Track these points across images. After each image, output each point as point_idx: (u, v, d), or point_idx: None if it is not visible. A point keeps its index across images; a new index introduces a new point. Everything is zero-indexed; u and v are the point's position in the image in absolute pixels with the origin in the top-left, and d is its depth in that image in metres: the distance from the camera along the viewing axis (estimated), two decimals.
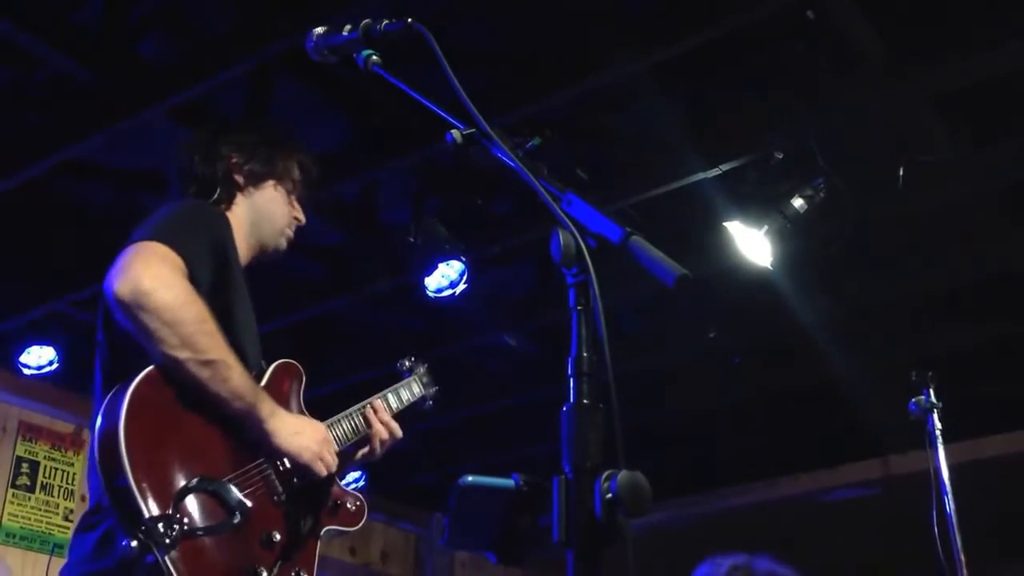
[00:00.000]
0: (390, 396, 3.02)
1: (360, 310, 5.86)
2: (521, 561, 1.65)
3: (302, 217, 2.96)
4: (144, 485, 2.18)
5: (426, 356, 3.56)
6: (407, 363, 3.28)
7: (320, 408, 2.83)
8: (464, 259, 4.98)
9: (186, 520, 2.21)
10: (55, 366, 5.72)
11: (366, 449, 2.85)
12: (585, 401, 1.57)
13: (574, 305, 1.64)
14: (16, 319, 5.50)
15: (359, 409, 2.86)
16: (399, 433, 2.89)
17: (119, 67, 4.07)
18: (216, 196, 2.81)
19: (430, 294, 5.09)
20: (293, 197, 2.93)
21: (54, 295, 5.28)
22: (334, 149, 4.59)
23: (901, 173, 4.49)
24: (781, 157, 4.48)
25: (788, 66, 4.25)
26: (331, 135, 4.56)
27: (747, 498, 7.78)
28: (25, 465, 6.22)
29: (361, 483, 6.88)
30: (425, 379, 3.27)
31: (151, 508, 2.16)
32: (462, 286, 5.03)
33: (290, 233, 2.93)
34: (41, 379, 5.81)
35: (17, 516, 6.09)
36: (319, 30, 2.20)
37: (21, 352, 5.74)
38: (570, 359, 1.61)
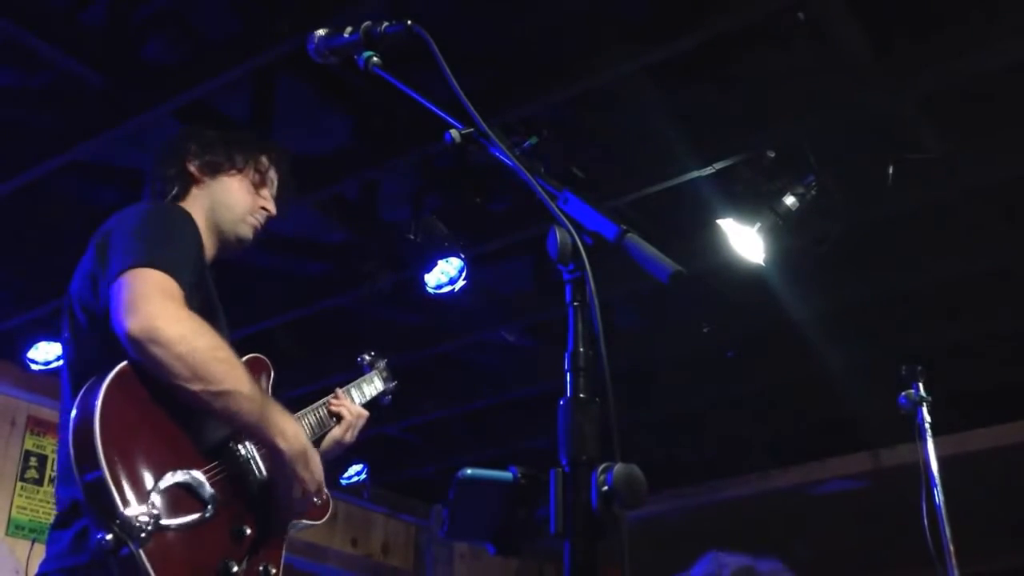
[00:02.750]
0: (352, 391, 3.07)
1: (361, 306, 5.89)
2: (519, 552, 1.66)
3: (271, 208, 2.92)
4: (119, 478, 2.18)
5: (427, 352, 3.60)
6: (367, 358, 3.29)
7: None
8: (463, 256, 5.00)
9: (160, 513, 2.21)
10: (62, 362, 5.72)
11: (334, 440, 2.91)
12: (581, 395, 1.59)
13: (570, 301, 1.66)
14: (24, 315, 5.51)
15: (323, 403, 2.91)
16: (365, 412, 2.98)
17: (124, 68, 4.08)
18: (175, 192, 2.82)
19: (430, 290, 5.12)
20: (263, 190, 2.92)
21: (61, 292, 5.31)
22: (335, 148, 4.62)
23: (890, 171, 4.54)
24: (773, 156, 4.52)
25: (780, 66, 4.27)
26: (332, 135, 4.60)
27: (739, 490, 7.81)
28: (33, 459, 6.25)
29: (363, 476, 6.92)
30: (385, 374, 3.29)
31: (126, 501, 2.16)
32: (461, 282, 5.04)
33: (254, 221, 2.88)
34: (49, 374, 5.80)
35: (26, 509, 6.12)
36: (320, 32, 2.21)
37: (29, 348, 5.76)
38: (567, 354, 1.62)
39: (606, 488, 1.48)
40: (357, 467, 6.92)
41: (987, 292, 5.61)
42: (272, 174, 2.96)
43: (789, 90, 4.28)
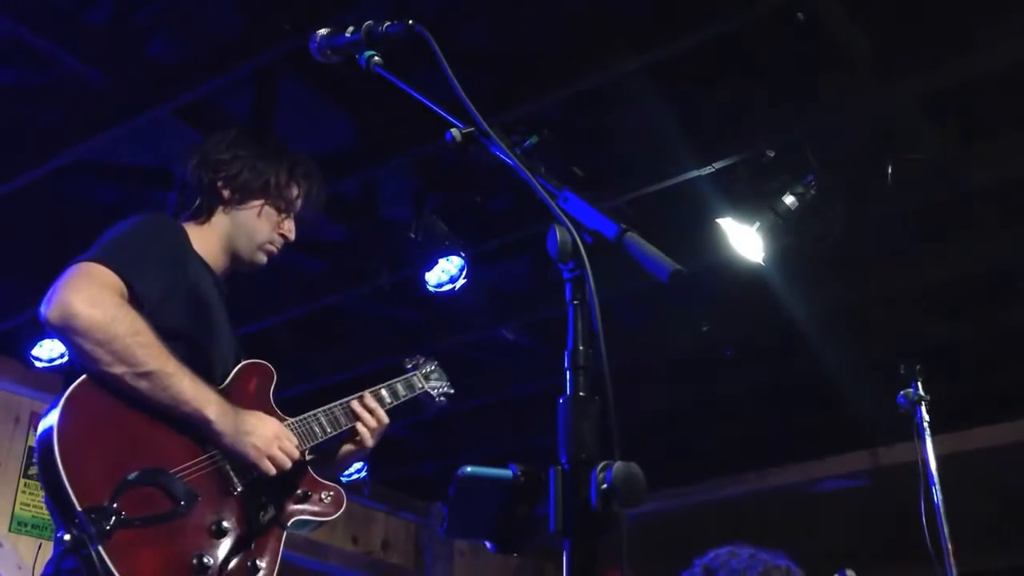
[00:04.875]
0: (383, 391, 3.01)
1: (361, 304, 5.90)
2: (519, 550, 1.66)
3: (292, 235, 2.94)
4: (76, 479, 2.19)
5: (427, 350, 3.57)
6: (413, 361, 3.24)
7: (322, 402, 2.85)
8: (463, 254, 5.01)
9: (124, 511, 2.21)
10: (66, 359, 5.73)
11: (358, 439, 2.87)
12: (581, 393, 1.59)
13: (570, 299, 1.65)
14: (27, 313, 5.50)
15: (344, 402, 2.86)
16: (385, 420, 2.90)
17: (128, 67, 4.11)
18: (197, 205, 2.83)
19: (430, 288, 5.13)
20: (286, 215, 2.91)
21: None
22: (337, 147, 4.63)
23: (890, 171, 4.55)
24: (773, 155, 4.52)
25: (779, 66, 4.29)
26: (334, 133, 4.61)
27: (739, 488, 7.83)
28: None
29: (363, 473, 6.94)
30: (432, 376, 3.22)
31: (84, 501, 2.18)
32: (461, 281, 5.05)
33: (272, 248, 2.91)
34: (52, 372, 5.80)
35: (29, 505, 6.15)
36: (322, 31, 2.23)
37: (33, 346, 5.78)
38: (567, 352, 1.62)
39: (605, 486, 1.48)
40: (357, 464, 6.94)
41: (986, 292, 5.62)
42: (300, 201, 2.96)
43: (789, 90, 4.29)
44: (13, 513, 6.09)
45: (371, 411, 2.87)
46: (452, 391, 3.29)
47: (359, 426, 2.85)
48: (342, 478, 7.19)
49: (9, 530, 6.04)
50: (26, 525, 6.11)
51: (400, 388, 3.09)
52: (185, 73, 4.11)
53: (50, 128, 4.47)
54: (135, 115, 4.20)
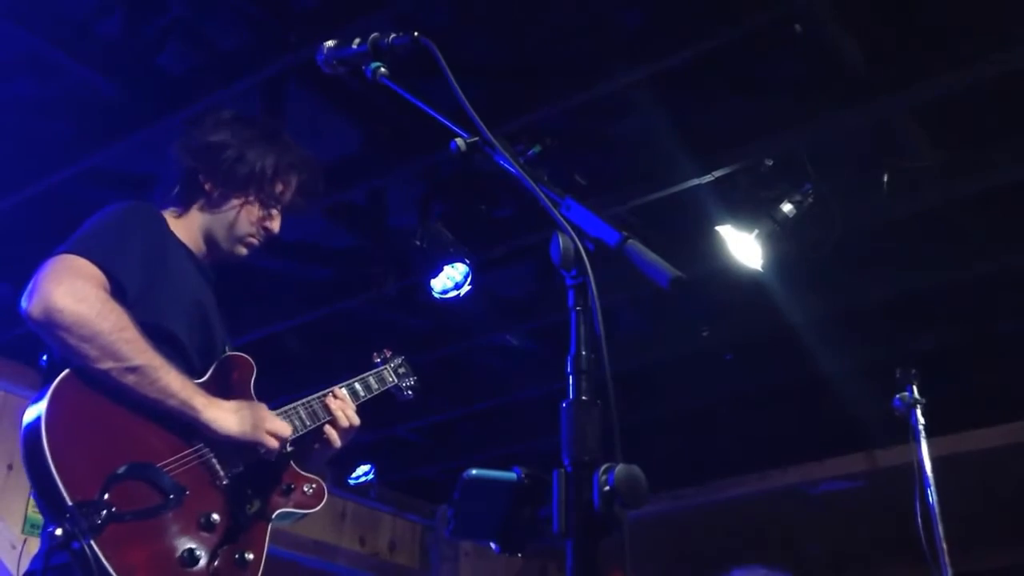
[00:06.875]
0: (356, 384, 2.99)
1: (368, 311, 5.93)
2: (522, 550, 1.66)
3: (275, 229, 2.89)
4: (66, 473, 2.17)
5: (433, 356, 3.61)
6: (382, 355, 3.26)
7: None
8: (468, 262, 5.05)
9: (115, 505, 2.20)
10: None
11: (326, 437, 2.81)
12: (584, 397, 1.61)
13: (573, 305, 1.68)
14: None
15: (320, 396, 2.82)
16: (356, 421, 2.83)
17: (139, 78, 4.16)
18: (177, 193, 2.82)
19: (435, 295, 5.16)
20: (268, 211, 2.87)
21: None
22: (344, 157, 4.68)
23: (885, 179, 4.61)
24: (771, 164, 4.57)
25: (777, 77, 4.35)
26: (341, 143, 4.65)
27: (738, 490, 7.83)
28: None
29: (371, 476, 6.99)
30: (401, 370, 3.25)
31: (75, 495, 2.16)
32: (466, 287, 5.08)
33: (252, 241, 2.86)
34: None
35: None
36: (330, 43, 2.25)
37: (45, 351, 5.82)
38: (569, 357, 1.64)
39: (608, 488, 1.50)
40: (365, 467, 6.99)
41: (978, 298, 5.66)
42: (287, 194, 2.92)
43: (786, 100, 4.34)
44: (26, 516, 6.12)
45: (343, 409, 2.83)
46: (418, 385, 3.32)
47: (328, 428, 2.81)
48: (350, 481, 7.21)
49: (23, 532, 6.07)
50: (38, 527, 6.07)
51: (372, 382, 3.08)
52: (195, 84, 4.15)
53: (63, 138, 4.52)
54: (146, 125, 4.24)
